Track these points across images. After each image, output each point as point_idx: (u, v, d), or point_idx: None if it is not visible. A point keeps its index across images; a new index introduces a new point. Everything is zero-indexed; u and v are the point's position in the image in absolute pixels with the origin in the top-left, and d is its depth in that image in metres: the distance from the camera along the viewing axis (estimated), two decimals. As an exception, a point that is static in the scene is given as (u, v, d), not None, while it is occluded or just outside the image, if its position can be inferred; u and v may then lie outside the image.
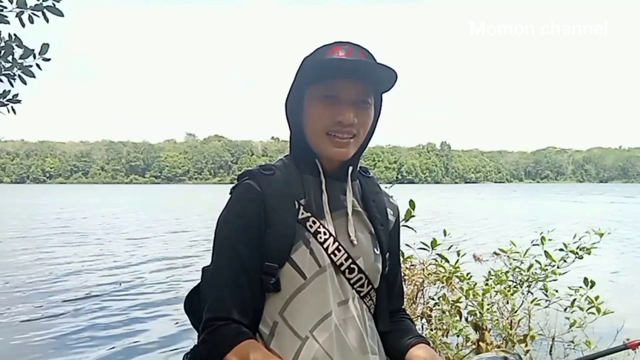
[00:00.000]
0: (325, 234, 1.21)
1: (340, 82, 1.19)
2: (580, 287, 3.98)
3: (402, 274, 4.47)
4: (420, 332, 4.71)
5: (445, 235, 4.17)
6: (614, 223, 18.58)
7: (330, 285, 1.19)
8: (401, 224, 3.92)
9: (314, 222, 1.21)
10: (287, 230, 1.17)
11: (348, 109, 1.19)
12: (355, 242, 1.24)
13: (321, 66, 1.19)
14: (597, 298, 3.87)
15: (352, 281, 1.23)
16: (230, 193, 1.25)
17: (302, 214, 1.21)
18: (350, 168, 1.29)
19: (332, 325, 1.17)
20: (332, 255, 1.20)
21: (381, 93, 1.28)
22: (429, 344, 1.31)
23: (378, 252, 1.29)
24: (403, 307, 1.46)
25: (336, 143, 1.21)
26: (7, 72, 3.76)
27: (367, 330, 1.24)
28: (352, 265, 1.22)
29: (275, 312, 1.18)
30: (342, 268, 1.22)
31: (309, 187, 1.25)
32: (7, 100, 3.86)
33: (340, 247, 1.21)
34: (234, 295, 1.15)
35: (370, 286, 1.27)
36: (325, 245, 1.20)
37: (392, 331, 1.34)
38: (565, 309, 4.08)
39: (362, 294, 1.26)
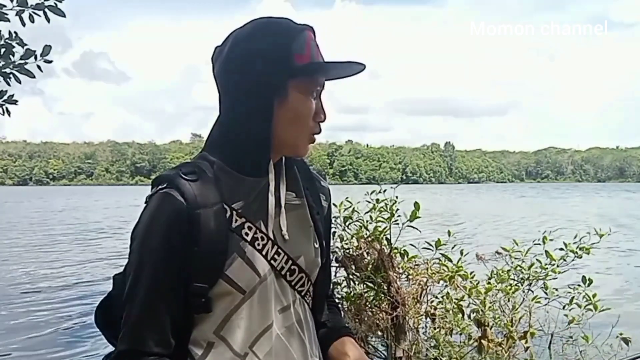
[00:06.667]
0: (263, 239, 1.08)
1: (322, 79, 1.11)
2: (579, 285, 4.08)
3: (406, 273, 4.58)
4: (423, 330, 4.78)
5: (449, 235, 4.26)
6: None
7: (272, 293, 1.09)
8: (406, 224, 4.05)
9: (249, 229, 1.06)
10: (218, 245, 1.02)
11: (323, 106, 1.12)
12: (286, 237, 1.11)
13: (318, 65, 1.09)
14: (594, 296, 3.97)
15: (293, 283, 1.13)
16: (146, 202, 1.07)
17: (236, 220, 1.06)
18: (283, 159, 1.17)
19: (273, 337, 1.08)
20: (272, 261, 1.09)
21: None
22: (352, 336, 1.25)
23: (317, 246, 1.19)
24: (331, 292, 1.38)
25: (310, 141, 1.12)
26: (4, 71, 3.64)
27: (308, 334, 1.16)
28: (292, 267, 1.12)
29: (209, 332, 1.06)
30: (283, 272, 1.11)
31: (245, 189, 1.09)
32: (3, 101, 3.72)
33: (279, 250, 1.10)
34: (151, 325, 1.02)
35: (309, 283, 1.17)
36: (264, 252, 1.07)
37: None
38: (564, 307, 4.18)
39: (302, 293, 1.16)
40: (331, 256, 1.48)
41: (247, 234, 1.06)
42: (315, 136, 1.12)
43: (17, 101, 3.73)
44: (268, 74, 1.04)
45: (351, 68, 1.09)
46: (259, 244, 1.07)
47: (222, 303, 1.05)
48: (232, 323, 1.05)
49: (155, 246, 1.01)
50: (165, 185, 1.04)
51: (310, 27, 1.10)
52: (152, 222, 1.03)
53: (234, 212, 1.06)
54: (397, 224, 4.12)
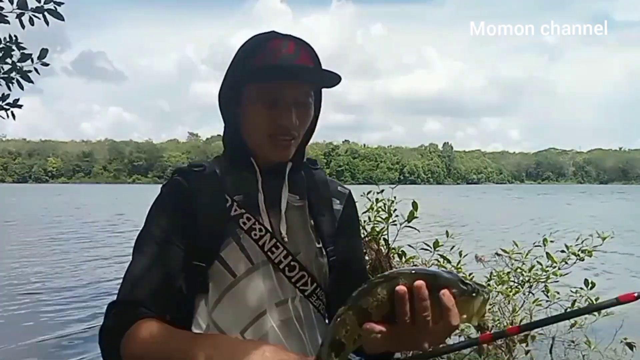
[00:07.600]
0: (261, 230, 1.14)
1: (282, 84, 1.13)
2: (581, 288, 4.00)
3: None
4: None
5: (447, 236, 4.19)
6: None
7: (266, 284, 1.13)
8: (404, 224, 3.98)
9: (248, 219, 1.15)
10: (216, 227, 1.12)
11: (290, 111, 1.13)
12: (285, 239, 1.17)
13: (263, 69, 1.13)
14: (597, 299, 3.89)
15: (293, 279, 1.16)
16: (161, 190, 1.20)
17: (235, 210, 1.15)
18: (289, 165, 1.24)
19: (267, 326, 1.11)
20: (269, 253, 1.14)
21: (322, 88, 1.24)
22: None
23: (320, 245, 1.23)
24: None
25: (277, 145, 1.16)
26: (5, 75, 3.73)
27: (310, 334, 1.17)
28: (292, 263, 1.16)
29: (207, 314, 1.12)
30: (282, 266, 1.15)
31: (245, 183, 1.19)
32: (7, 105, 3.83)
33: (278, 243, 1.15)
34: (148, 285, 1.07)
35: (315, 284, 1.19)
36: (260, 242, 1.14)
37: None
38: (565, 310, 4.10)
39: (306, 293, 1.18)
40: (364, 264, 1.46)
41: (244, 224, 1.15)
42: (282, 138, 1.16)
43: (21, 105, 3.92)
44: (233, 84, 1.18)
45: (308, 74, 1.16)
46: (255, 234, 1.14)
47: (215, 285, 1.11)
48: (222, 305, 1.11)
49: (158, 218, 1.14)
50: (176, 174, 1.20)
51: (284, 37, 1.15)
52: (159, 201, 1.17)
53: (235, 203, 1.16)
54: (395, 224, 4.07)
